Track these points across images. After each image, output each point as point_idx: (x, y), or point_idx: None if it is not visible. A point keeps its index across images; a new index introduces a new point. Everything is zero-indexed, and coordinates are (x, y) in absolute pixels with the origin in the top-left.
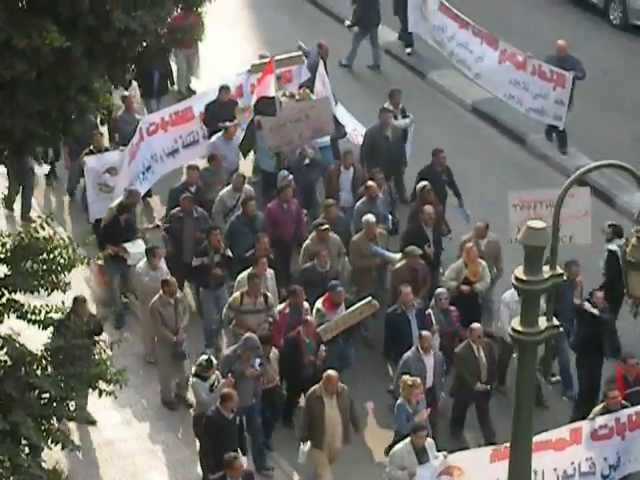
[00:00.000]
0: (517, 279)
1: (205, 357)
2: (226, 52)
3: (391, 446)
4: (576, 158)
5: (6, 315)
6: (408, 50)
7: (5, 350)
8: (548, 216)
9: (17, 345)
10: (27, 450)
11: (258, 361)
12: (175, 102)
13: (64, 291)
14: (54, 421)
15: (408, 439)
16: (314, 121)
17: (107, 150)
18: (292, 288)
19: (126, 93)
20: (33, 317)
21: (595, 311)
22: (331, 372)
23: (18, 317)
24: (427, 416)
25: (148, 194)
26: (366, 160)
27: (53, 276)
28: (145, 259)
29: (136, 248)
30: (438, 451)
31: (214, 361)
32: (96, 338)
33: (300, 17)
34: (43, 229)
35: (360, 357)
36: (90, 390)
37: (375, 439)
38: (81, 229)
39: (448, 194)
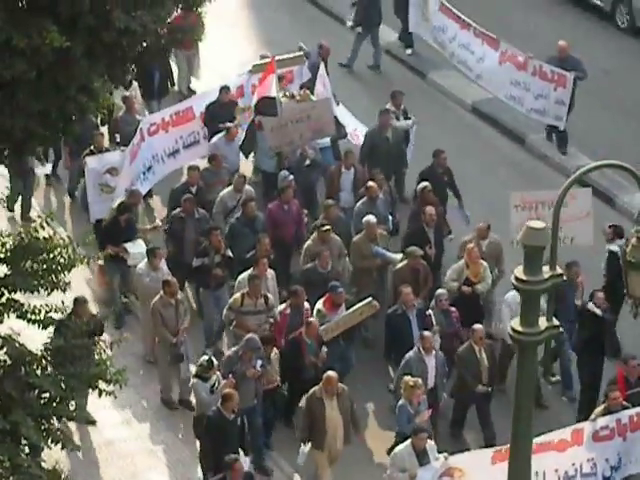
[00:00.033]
0: (517, 279)
1: (206, 358)
2: (226, 52)
3: (393, 447)
4: (576, 158)
5: (6, 315)
6: (409, 51)
7: (5, 350)
8: (549, 217)
9: (17, 345)
10: (27, 450)
11: (260, 362)
12: (176, 103)
13: (64, 291)
14: (54, 421)
15: (409, 441)
16: (315, 122)
17: (107, 150)
18: (293, 289)
19: (127, 94)
20: (33, 317)
21: (598, 311)
22: (331, 373)
23: (18, 317)
24: (429, 417)
25: (149, 194)
26: (366, 161)
27: (53, 276)
28: (146, 260)
29: (136, 248)
30: (439, 452)
31: (215, 362)
32: (97, 338)
33: (300, 17)
34: (43, 229)
35: (360, 358)
36: (90, 390)
37: (375, 440)
38: (81, 229)
39: (449, 195)
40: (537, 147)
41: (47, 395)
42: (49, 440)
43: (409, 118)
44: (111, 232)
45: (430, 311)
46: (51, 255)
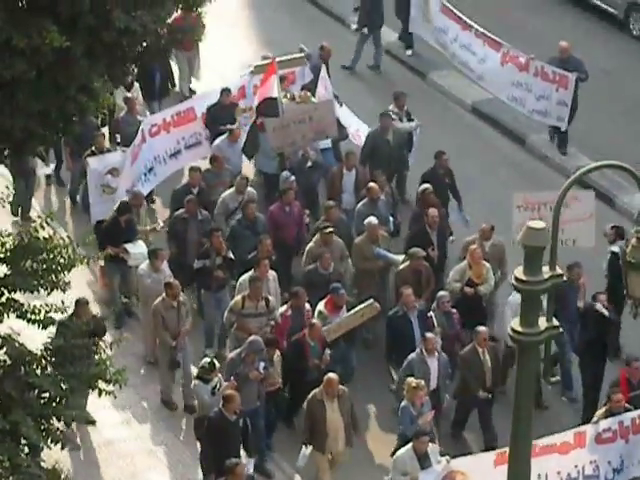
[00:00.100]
0: (517, 279)
1: (207, 360)
2: (226, 52)
3: (396, 450)
4: (576, 159)
5: (6, 315)
6: (409, 52)
7: (5, 350)
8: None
9: (17, 345)
10: (27, 450)
11: (262, 364)
12: (177, 103)
13: (64, 290)
14: (54, 421)
15: (410, 445)
16: (317, 123)
17: (109, 151)
18: (294, 290)
19: (128, 95)
20: (33, 317)
21: (606, 312)
22: (331, 375)
23: (18, 317)
24: (432, 418)
25: (150, 197)
26: (367, 162)
27: (53, 276)
28: (148, 261)
29: (137, 249)
30: (442, 455)
31: (216, 364)
32: (98, 339)
33: (300, 17)
34: (43, 229)
35: (361, 359)
36: (90, 390)
37: (376, 441)
38: (82, 229)
39: (450, 197)
40: (537, 148)
41: (47, 395)
42: (49, 440)
43: (412, 120)
44: (111, 232)
45: (431, 313)
46: (51, 255)
